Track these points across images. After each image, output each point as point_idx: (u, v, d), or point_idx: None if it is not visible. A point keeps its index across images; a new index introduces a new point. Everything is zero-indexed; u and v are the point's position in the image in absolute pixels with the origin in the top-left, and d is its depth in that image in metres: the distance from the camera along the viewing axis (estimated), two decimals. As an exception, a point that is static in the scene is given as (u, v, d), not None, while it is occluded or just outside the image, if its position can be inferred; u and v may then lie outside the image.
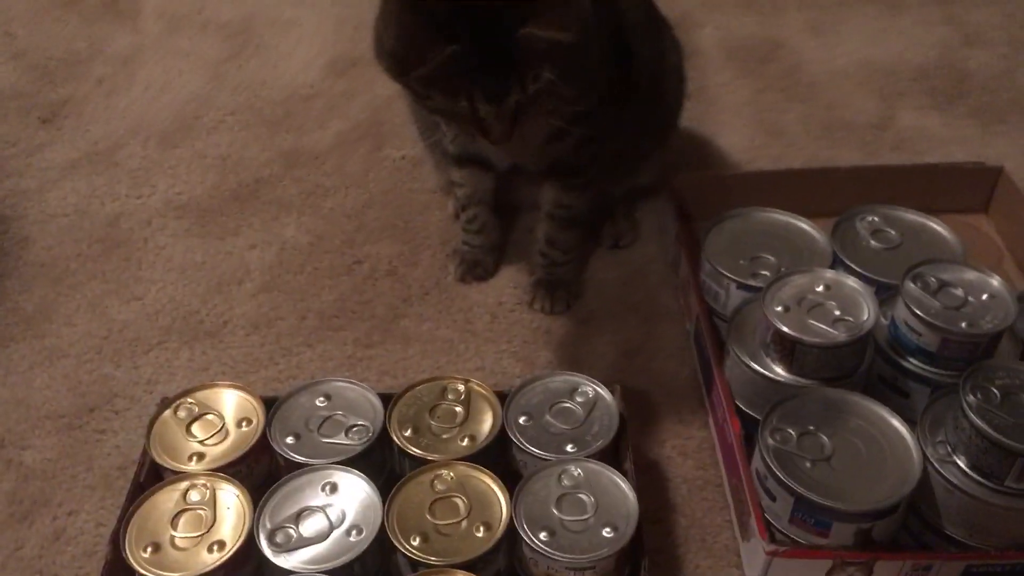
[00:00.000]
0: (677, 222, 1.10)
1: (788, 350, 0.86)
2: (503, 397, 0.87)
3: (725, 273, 0.98)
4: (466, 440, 0.83)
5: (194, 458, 0.83)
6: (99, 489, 0.92)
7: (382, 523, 0.76)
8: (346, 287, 1.13)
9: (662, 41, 1.12)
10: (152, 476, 0.84)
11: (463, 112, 0.82)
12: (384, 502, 0.77)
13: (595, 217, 1.17)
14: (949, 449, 0.80)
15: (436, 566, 0.74)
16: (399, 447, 0.83)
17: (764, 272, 0.98)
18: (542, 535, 0.76)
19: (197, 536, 0.77)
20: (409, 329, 1.08)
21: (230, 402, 0.88)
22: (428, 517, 0.77)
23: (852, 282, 0.90)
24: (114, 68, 1.50)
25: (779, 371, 0.88)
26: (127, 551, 0.76)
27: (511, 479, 0.80)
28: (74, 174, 1.30)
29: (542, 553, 0.75)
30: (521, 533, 0.76)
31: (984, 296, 0.87)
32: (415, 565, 0.75)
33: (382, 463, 0.85)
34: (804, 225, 1.03)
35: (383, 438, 0.84)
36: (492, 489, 0.79)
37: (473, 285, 1.13)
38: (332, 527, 0.76)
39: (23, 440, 0.96)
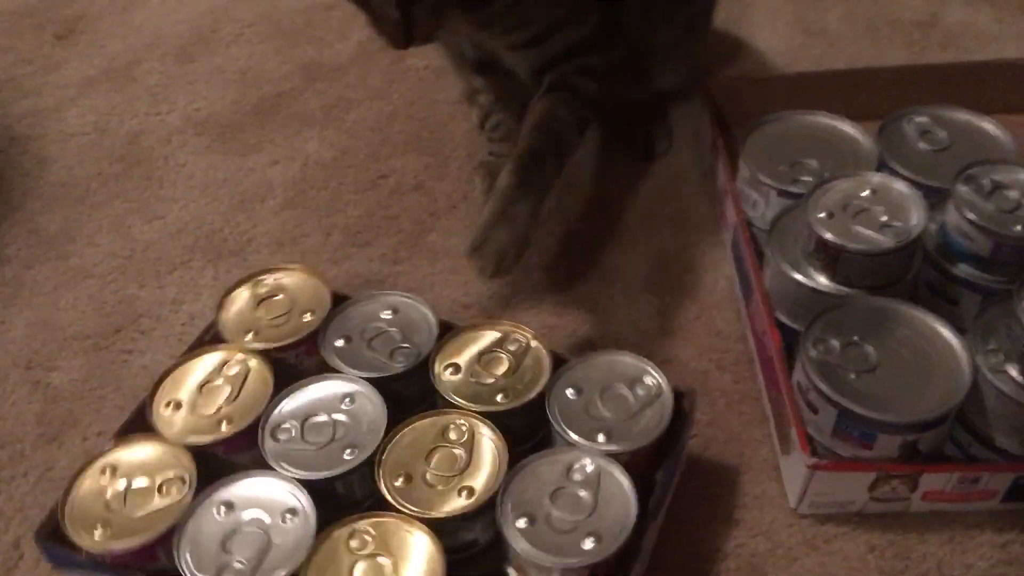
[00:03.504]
0: (713, 128, 1.06)
1: (832, 258, 0.83)
2: (559, 362, 0.79)
3: (765, 179, 0.94)
4: (500, 396, 0.76)
5: (251, 334, 0.83)
6: (127, 410, 0.90)
7: (375, 451, 0.72)
8: (371, 202, 1.10)
9: None
10: (216, 339, 0.84)
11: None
12: (387, 432, 0.74)
13: (626, 128, 1.13)
14: (1001, 358, 0.76)
15: (404, 513, 0.69)
16: (438, 386, 0.78)
17: (806, 178, 0.94)
18: (520, 522, 0.68)
19: (215, 407, 0.77)
20: (437, 244, 1.05)
21: (305, 289, 0.86)
22: (423, 460, 0.72)
23: (900, 185, 0.85)
24: (128, -19, 1.46)
25: (822, 280, 0.84)
26: (152, 404, 0.77)
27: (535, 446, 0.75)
28: (92, 92, 1.27)
29: (512, 543, 0.67)
30: (498, 509, 0.69)
31: (1041, 198, 0.83)
32: (387, 505, 0.70)
33: (413, 391, 0.80)
34: (848, 128, 0.98)
35: (423, 368, 0.79)
36: (496, 451, 0.72)
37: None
38: (332, 439, 0.74)
39: (50, 361, 0.96)
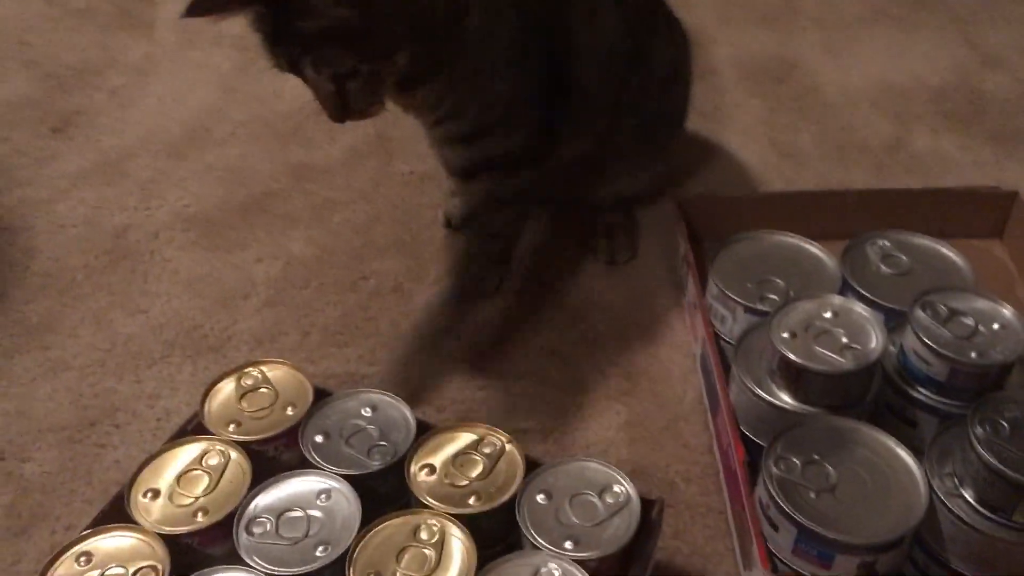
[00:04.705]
0: (686, 243, 1.09)
1: (794, 377, 0.85)
2: (533, 465, 0.80)
3: (733, 296, 0.97)
4: (473, 498, 0.77)
5: (232, 425, 0.84)
6: (98, 503, 0.91)
7: (347, 550, 0.74)
8: (351, 303, 1.13)
9: (651, 36, 1.07)
10: (199, 430, 0.85)
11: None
12: (359, 529, 0.75)
13: (591, 232, 1.18)
14: (956, 482, 0.78)
15: None
16: (412, 486, 0.79)
17: (772, 296, 0.97)
18: None
19: (192, 498, 0.78)
20: (413, 346, 1.07)
21: (289, 383, 0.87)
22: (393, 560, 0.73)
23: (860, 308, 0.89)
24: (127, 78, 1.50)
25: (785, 398, 0.86)
26: (130, 492, 0.78)
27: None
28: (84, 184, 1.30)
29: None
30: None
31: (995, 325, 0.86)
32: None
33: (388, 488, 0.82)
34: (814, 249, 1.02)
35: (399, 467, 0.81)
36: (465, 553, 0.73)
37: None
38: (306, 535, 0.75)
39: (23, 452, 0.96)
